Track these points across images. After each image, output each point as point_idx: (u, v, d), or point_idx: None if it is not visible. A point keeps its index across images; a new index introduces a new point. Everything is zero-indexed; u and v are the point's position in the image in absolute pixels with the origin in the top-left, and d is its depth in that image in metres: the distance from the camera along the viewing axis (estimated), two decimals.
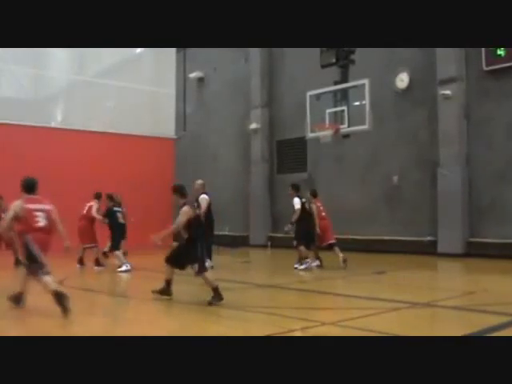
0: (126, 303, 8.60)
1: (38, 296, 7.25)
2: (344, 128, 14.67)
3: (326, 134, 14.99)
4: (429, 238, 15.51)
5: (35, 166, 17.80)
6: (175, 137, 22.72)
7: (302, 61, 18.60)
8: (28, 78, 19.85)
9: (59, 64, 20.57)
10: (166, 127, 22.17)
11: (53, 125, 19.86)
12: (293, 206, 12.49)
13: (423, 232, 15.76)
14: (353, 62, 14.82)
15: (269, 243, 19.20)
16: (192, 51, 22.89)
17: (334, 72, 15.30)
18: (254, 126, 20.56)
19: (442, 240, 15.15)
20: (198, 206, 10.91)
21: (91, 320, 7.01)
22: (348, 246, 15.39)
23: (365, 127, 14.13)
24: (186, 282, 10.89)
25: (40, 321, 6.79)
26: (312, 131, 15.39)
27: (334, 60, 14.89)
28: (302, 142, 18.03)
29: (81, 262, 13.00)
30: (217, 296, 7.64)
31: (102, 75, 20.61)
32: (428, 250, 15.29)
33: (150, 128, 21.07)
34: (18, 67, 18.93)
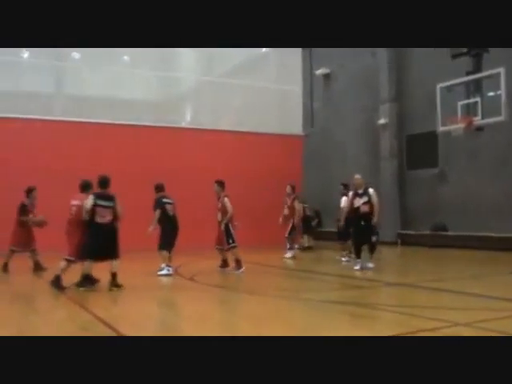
0: (251, 300, 8.73)
1: None
2: (478, 120, 14.05)
3: (458, 127, 14.44)
4: None
5: (167, 167, 18.71)
6: (303, 134, 22.82)
7: (431, 52, 17.98)
8: (158, 81, 20.77)
9: (187, 66, 21.32)
10: (294, 124, 22.30)
11: (183, 125, 20.64)
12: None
13: None
14: (486, 50, 14.15)
15: (398, 241, 18.81)
16: (318, 48, 22.89)
17: (466, 62, 14.68)
18: (382, 121, 20.22)
19: None
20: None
21: (220, 318, 7.21)
22: (482, 243, 14.77)
23: (501, 119, 13.45)
24: (310, 279, 10.98)
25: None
26: (443, 125, 14.89)
27: (465, 49, 14.32)
28: (432, 136, 17.46)
29: None
30: None
31: (229, 75, 21.10)
32: None
33: (277, 126, 21.29)
34: (149, 71, 19.88)
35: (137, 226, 15.07)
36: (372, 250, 11.69)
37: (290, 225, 15.03)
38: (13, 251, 11.51)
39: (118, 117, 18.42)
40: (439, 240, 17.08)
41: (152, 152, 18.61)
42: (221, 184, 11.74)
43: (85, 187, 9.39)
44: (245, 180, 18.97)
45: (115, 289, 8.87)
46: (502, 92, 13.33)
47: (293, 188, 15.38)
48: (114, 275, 8.94)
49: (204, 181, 17.37)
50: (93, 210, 8.84)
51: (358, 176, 12.03)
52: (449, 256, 14.75)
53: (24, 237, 11.57)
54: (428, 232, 17.90)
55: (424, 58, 18.90)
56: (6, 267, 11.34)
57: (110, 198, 9.12)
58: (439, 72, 16.78)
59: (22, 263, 11.58)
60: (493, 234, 15.74)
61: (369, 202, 11.53)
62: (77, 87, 18.66)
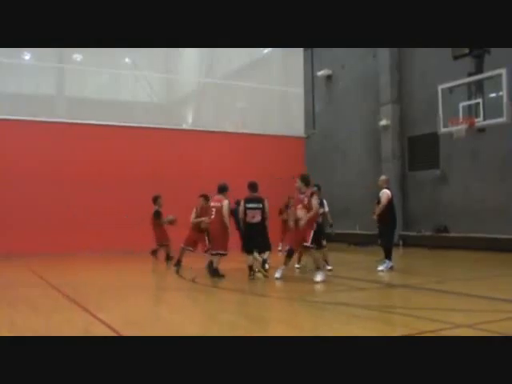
0: (259, 301, 8.73)
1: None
2: (479, 121, 14.03)
3: (459, 128, 14.42)
4: None
5: (169, 167, 18.75)
6: (305, 135, 22.82)
7: (432, 53, 17.99)
8: (160, 83, 20.81)
9: (189, 68, 21.38)
10: (296, 126, 22.32)
11: (184, 126, 20.66)
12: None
13: None
14: (488, 51, 14.14)
15: (400, 242, 18.79)
16: (319, 49, 22.88)
17: (468, 63, 14.67)
18: (384, 122, 20.19)
19: None
20: (378, 201, 11.63)
21: (223, 319, 7.21)
22: (485, 245, 14.74)
23: (503, 120, 13.42)
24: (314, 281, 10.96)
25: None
26: (445, 126, 14.86)
27: (466, 51, 14.31)
28: (434, 137, 17.44)
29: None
30: None
31: (231, 77, 21.13)
32: None
33: (279, 127, 21.32)
34: (151, 73, 19.91)
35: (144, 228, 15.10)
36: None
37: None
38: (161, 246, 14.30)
39: (119, 119, 18.46)
40: (441, 241, 17.06)
41: (155, 154, 18.66)
42: (305, 180, 10.57)
43: (222, 189, 10.85)
44: (246, 181, 18.94)
45: (259, 275, 10.59)
46: (504, 93, 13.32)
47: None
48: (263, 262, 10.87)
49: (206, 182, 17.42)
50: (244, 212, 10.42)
51: (382, 177, 12.43)
52: (451, 257, 14.73)
53: (163, 235, 14.26)
54: (430, 233, 17.88)
55: (425, 60, 18.88)
56: (179, 262, 12.62)
57: (259, 201, 10.53)
58: (441, 73, 16.77)
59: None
60: (495, 236, 15.71)
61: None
62: (79, 89, 18.70)
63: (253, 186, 10.72)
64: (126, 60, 19.64)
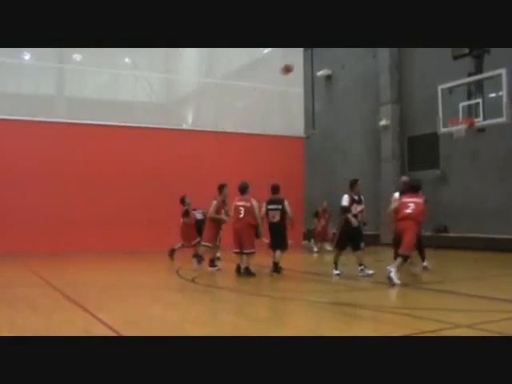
0: (259, 301, 8.73)
1: None
2: (479, 121, 14.04)
3: (459, 128, 14.43)
4: None
5: (169, 167, 18.76)
6: (305, 135, 22.82)
7: (432, 53, 18.00)
8: (160, 83, 20.80)
9: (189, 68, 21.38)
10: (296, 126, 22.33)
11: (184, 127, 20.65)
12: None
13: None
14: (488, 51, 14.15)
15: None
16: (319, 49, 22.89)
17: (468, 63, 14.68)
18: (383, 122, 20.21)
19: None
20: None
21: (224, 319, 7.21)
22: (485, 245, 14.74)
23: (502, 120, 13.43)
24: (313, 281, 10.98)
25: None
26: (444, 126, 14.87)
27: (466, 51, 14.32)
28: (434, 137, 17.45)
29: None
30: None
31: (231, 77, 21.13)
32: None
33: (279, 127, 21.32)
34: (151, 73, 19.91)
35: (146, 227, 15.10)
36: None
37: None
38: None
39: (119, 119, 18.46)
40: (441, 241, 17.05)
41: (155, 154, 18.68)
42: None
43: (245, 189, 11.15)
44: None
45: (275, 274, 10.84)
46: (504, 93, 13.33)
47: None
48: (275, 264, 10.94)
49: (206, 182, 17.42)
50: (266, 213, 11.03)
51: (403, 178, 12.43)
52: (451, 257, 14.72)
53: (191, 235, 14.00)
54: (430, 233, 17.88)
55: (425, 60, 18.90)
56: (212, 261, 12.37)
57: (279, 202, 11.01)
58: (440, 73, 16.78)
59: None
60: (494, 236, 15.71)
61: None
62: (78, 89, 18.70)
63: (274, 189, 11.28)
64: (126, 60, 19.64)
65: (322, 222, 18.00)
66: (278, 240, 11.10)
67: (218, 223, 12.15)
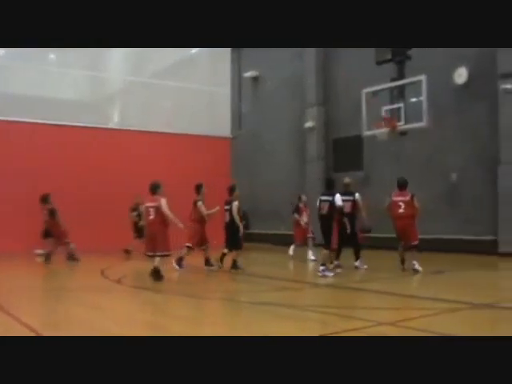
0: (189, 302, 8.67)
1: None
2: (401, 125, 14.45)
3: (382, 131, 14.80)
4: (489, 238, 15.15)
5: (94, 167, 18.37)
6: (231, 136, 22.88)
7: (357, 58, 18.43)
8: (86, 81, 20.34)
9: (116, 66, 20.99)
10: (222, 126, 22.31)
11: (110, 126, 20.29)
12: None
13: (483, 231, 15.41)
14: (409, 57, 14.58)
15: None
16: (247, 50, 23.02)
17: (391, 68, 15.10)
18: (309, 124, 20.53)
19: (502, 239, 14.78)
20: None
21: (146, 319, 7.14)
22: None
23: (422, 124, 13.88)
24: (247, 282, 11.02)
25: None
26: (368, 129, 15.20)
27: (389, 56, 14.70)
28: (357, 140, 17.86)
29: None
30: None
31: (158, 76, 20.90)
32: (488, 249, 14.93)
33: (206, 127, 21.25)
34: (77, 70, 19.43)
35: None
36: None
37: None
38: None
39: (45, 116, 17.91)
40: (365, 241, 17.41)
41: (78, 152, 18.24)
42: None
43: (154, 189, 10.52)
44: (173, 181, 18.81)
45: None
46: (424, 98, 13.76)
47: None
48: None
49: (132, 181, 17.18)
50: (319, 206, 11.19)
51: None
52: (374, 258, 15.07)
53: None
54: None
55: (350, 64, 19.33)
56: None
57: (330, 195, 11.02)
58: (365, 77, 17.17)
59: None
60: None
61: None
62: (3, 84, 17.97)
63: (328, 184, 11.50)
64: (51, 56, 19.07)
65: (305, 218, 15.24)
66: (327, 236, 10.98)
67: (204, 223, 12.32)
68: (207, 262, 12.30)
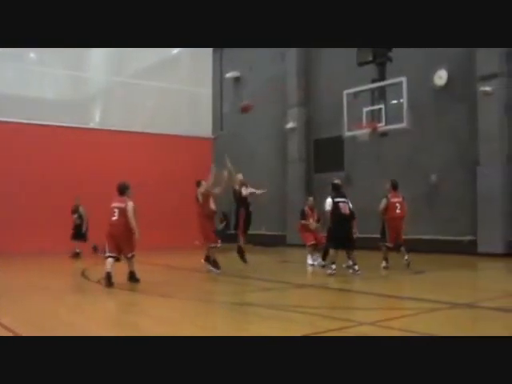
0: (160, 302, 8.62)
1: None
2: (382, 126, 14.54)
3: (363, 132, 14.87)
4: (469, 238, 15.30)
5: (74, 167, 18.24)
6: (212, 136, 22.84)
7: (338, 59, 18.52)
8: (67, 80, 20.19)
9: (97, 66, 20.86)
10: (204, 127, 22.29)
11: (91, 125, 20.16)
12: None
13: (463, 231, 15.55)
14: (390, 59, 14.69)
15: None
16: (228, 51, 23.00)
17: (372, 70, 15.19)
18: (290, 125, 20.57)
19: (482, 240, 14.94)
20: None
21: (127, 319, 7.10)
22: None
23: (403, 125, 13.97)
24: (228, 282, 11.01)
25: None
26: (349, 130, 15.28)
27: (370, 58, 14.80)
28: (339, 141, 17.94)
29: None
30: None
31: (140, 76, 20.83)
32: (468, 249, 15.09)
33: (187, 128, 21.21)
34: (58, 70, 19.28)
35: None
36: None
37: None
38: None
39: (26, 116, 17.74)
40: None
41: (59, 152, 18.10)
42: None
43: (122, 190, 10.33)
44: (154, 181, 18.81)
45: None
46: (404, 100, 13.85)
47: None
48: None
49: (113, 181, 17.06)
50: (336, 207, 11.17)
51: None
52: (357, 258, 15.16)
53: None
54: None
55: (332, 65, 19.41)
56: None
57: (344, 196, 11.42)
58: (346, 79, 17.28)
59: None
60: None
61: None
62: None
63: (338, 187, 11.60)
64: (31, 55, 18.90)
65: (313, 223, 13.63)
66: (348, 238, 11.30)
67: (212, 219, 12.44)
68: (208, 259, 12.07)
